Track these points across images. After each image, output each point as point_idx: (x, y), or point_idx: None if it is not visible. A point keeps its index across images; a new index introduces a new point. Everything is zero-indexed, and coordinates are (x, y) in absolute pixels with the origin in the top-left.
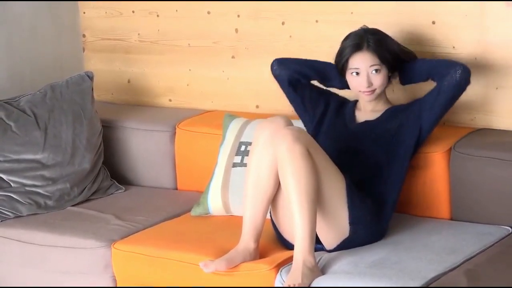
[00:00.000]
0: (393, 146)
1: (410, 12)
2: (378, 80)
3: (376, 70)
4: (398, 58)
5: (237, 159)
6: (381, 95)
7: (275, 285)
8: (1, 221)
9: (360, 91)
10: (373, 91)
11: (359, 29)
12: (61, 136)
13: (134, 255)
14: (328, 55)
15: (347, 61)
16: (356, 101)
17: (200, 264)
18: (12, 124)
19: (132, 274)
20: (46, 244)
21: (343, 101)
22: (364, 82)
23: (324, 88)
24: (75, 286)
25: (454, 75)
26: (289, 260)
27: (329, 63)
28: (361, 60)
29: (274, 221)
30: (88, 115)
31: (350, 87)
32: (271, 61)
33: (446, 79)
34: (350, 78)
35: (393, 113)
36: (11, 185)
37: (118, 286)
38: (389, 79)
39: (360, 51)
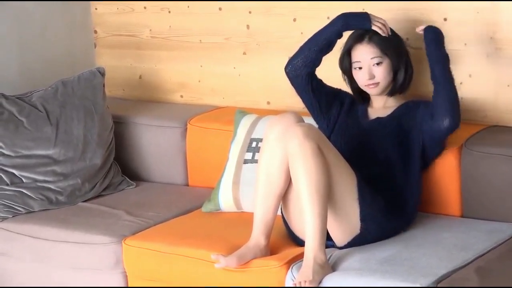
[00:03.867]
0: (405, 143)
1: (421, 9)
2: (380, 72)
3: (378, 63)
4: (402, 55)
5: (248, 155)
6: (390, 89)
7: (286, 281)
8: (13, 216)
9: (365, 85)
10: (377, 84)
11: None
12: (72, 131)
13: (145, 251)
14: (339, 52)
15: (349, 55)
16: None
17: (212, 256)
18: (23, 119)
19: (143, 269)
20: (57, 240)
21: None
22: (366, 74)
23: (337, 88)
24: (83, 286)
25: (441, 125)
26: (300, 257)
27: (320, 30)
28: (361, 53)
29: (285, 218)
30: (100, 111)
31: (358, 84)
32: (283, 57)
33: (436, 123)
34: (355, 74)
35: (405, 109)
36: (22, 181)
37: (128, 283)
38: (397, 74)
39: (361, 43)
